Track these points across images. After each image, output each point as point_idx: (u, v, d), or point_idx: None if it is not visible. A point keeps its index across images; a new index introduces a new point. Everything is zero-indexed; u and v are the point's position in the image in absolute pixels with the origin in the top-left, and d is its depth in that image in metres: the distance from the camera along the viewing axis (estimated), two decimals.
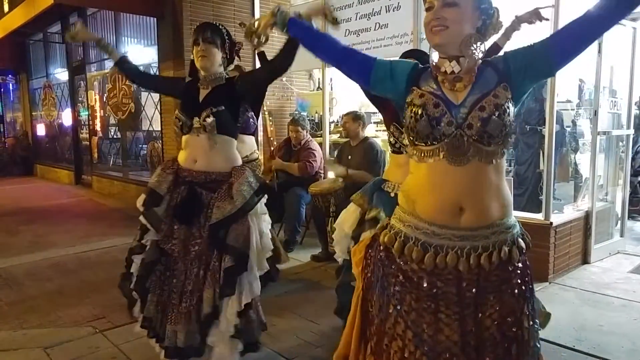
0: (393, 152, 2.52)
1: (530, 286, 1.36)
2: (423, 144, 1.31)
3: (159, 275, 2.24)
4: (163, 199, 2.24)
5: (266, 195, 2.30)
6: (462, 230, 1.31)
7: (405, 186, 1.42)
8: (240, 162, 2.32)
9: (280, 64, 2.16)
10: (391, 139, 2.50)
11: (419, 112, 1.30)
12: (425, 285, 1.31)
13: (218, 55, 2.28)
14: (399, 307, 1.33)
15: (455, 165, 1.28)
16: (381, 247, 1.41)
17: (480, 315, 1.29)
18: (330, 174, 4.53)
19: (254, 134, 3.72)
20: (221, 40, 2.28)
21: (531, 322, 1.33)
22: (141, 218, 2.26)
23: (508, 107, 1.28)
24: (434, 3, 1.31)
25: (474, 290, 1.29)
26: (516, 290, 1.32)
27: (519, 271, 1.34)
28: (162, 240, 2.21)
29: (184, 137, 2.27)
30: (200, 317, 2.13)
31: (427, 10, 1.34)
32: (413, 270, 1.33)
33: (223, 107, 2.19)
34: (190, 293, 2.15)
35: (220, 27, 2.32)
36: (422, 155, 1.32)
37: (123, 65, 2.45)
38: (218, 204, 2.14)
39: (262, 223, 2.30)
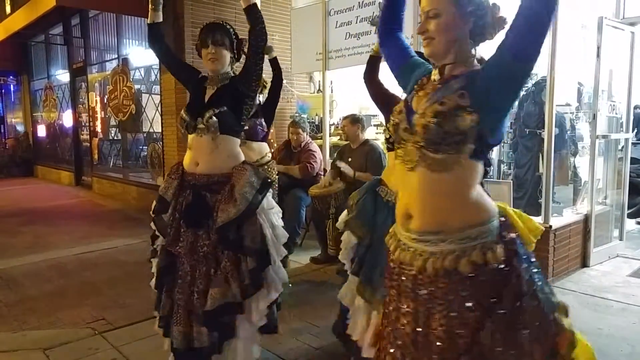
0: (389, 150, 2.56)
1: (498, 301, 1.27)
2: (395, 148, 1.42)
3: (171, 278, 2.27)
4: (170, 204, 2.26)
5: (271, 190, 2.31)
6: (412, 233, 1.35)
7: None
8: (242, 160, 2.30)
9: (252, 26, 2.18)
10: (387, 136, 2.54)
11: (391, 118, 1.40)
12: (394, 276, 1.40)
13: (228, 57, 2.28)
14: (387, 299, 1.44)
15: (407, 170, 1.34)
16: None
17: (429, 318, 1.31)
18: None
19: (264, 140, 3.67)
20: (230, 40, 2.29)
21: (499, 338, 1.26)
22: (152, 224, 2.31)
23: (455, 114, 1.25)
24: (423, 15, 1.35)
25: (425, 291, 1.32)
26: (470, 304, 1.27)
27: (477, 285, 1.28)
28: (169, 244, 2.23)
29: (189, 137, 2.28)
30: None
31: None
32: (393, 263, 1.42)
33: (225, 108, 2.20)
34: (203, 293, 2.15)
35: (228, 26, 2.31)
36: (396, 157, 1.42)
37: (158, 27, 2.41)
38: (222, 207, 2.14)
39: (271, 216, 2.30)
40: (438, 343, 1.28)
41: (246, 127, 3.35)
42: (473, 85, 1.28)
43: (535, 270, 1.33)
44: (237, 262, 2.14)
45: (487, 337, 1.26)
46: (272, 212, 2.31)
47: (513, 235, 1.33)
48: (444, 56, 1.34)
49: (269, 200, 2.30)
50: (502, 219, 1.35)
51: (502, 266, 1.28)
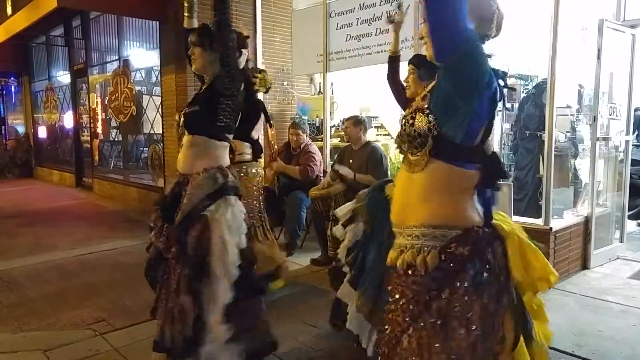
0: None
1: (422, 311, 1.25)
2: None
3: (156, 272, 2.30)
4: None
5: (232, 200, 2.16)
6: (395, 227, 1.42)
7: None
8: (218, 163, 2.22)
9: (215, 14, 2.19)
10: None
11: None
12: None
13: (205, 57, 2.26)
14: None
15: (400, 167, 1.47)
16: None
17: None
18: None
19: (242, 139, 3.38)
20: (209, 40, 2.26)
21: (415, 350, 1.24)
22: (152, 215, 2.39)
23: (414, 116, 1.30)
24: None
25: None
26: (402, 302, 1.28)
27: (409, 286, 1.28)
28: (155, 236, 2.28)
29: None
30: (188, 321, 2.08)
31: None
32: None
33: (197, 107, 2.22)
34: (175, 293, 2.12)
35: (211, 26, 2.28)
36: None
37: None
38: (182, 208, 2.17)
39: (224, 230, 2.10)
40: (386, 327, 1.34)
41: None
42: (434, 88, 1.32)
43: (485, 300, 1.23)
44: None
45: (405, 343, 1.25)
46: (225, 225, 2.10)
47: (464, 252, 1.24)
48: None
49: (222, 211, 2.11)
50: (475, 231, 1.27)
51: (435, 276, 1.24)
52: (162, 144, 6.73)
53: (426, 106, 1.28)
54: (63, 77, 10.34)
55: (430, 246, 1.25)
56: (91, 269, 4.28)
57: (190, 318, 2.05)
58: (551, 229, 3.69)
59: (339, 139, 5.46)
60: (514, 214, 3.90)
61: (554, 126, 3.74)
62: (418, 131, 1.27)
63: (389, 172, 4.13)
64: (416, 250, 1.27)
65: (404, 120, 1.34)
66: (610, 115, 4.34)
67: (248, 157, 3.43)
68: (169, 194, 2.30)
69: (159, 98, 6.74)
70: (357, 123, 4.14)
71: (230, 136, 2.32)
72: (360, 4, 4.74)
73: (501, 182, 1.32)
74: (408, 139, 1.30)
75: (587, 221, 4.11)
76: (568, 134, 4.80)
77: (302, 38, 5.37)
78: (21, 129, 12.66)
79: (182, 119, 2.23)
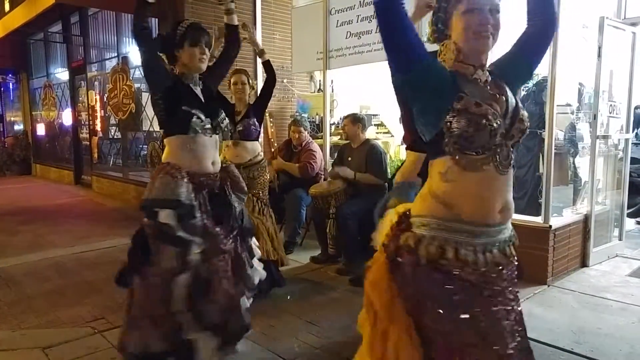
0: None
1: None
2: (474, 154, 1.31)
3: None
4: None
5: None
6: (498, 226, 1.39)
7: (445, 194, 1.37)
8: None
9: None
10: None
11: (482, 121, 1.29)
12: (483, 283, 1.36)
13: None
14: (468, 314, 1.33)
15: (501, 174, 1.35)
16: (422, 261, 1.34)
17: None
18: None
19: (257, 139, 3.58)
20: None
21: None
22: None
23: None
24: (483, 7, 1.32)
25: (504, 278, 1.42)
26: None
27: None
28: None
29: None
30: None
31: (469, 12, 1.33)
32: (470, 273, 1.35)
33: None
34: None
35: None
36: (475, 163, 1.32)
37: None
38: None
39: None
40: None
41: (240, 128, 3.35)
42: (511, 87, 1.49)
43: None
44: None
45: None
46: None
47: None
48: (484, 56, 1.45)
49: None
50: None
51: None
52: (161, 142, 6.71)
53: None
54: (61, 74, 10.31)
55: None
56: (90, 266, 4.27)
57: None
58: (550, 227, 3.69)
59: (338, 136, 5.45)
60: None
61: (554, 124, 3.73)
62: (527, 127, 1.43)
63: (388, 171, 4.13)
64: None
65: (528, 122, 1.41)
66: (610, 113, 4.34)
67: (262, 156, 3.58)
68: None
69: None
70: (355, 121, 4.13)
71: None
72: (360, 1, 4.72)
73: None
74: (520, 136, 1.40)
75: (586, 219, 4.11)
76: (568, 132, 4.79)
77: (302, 35, 5.35)
78: (19, 126, 12.64)
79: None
